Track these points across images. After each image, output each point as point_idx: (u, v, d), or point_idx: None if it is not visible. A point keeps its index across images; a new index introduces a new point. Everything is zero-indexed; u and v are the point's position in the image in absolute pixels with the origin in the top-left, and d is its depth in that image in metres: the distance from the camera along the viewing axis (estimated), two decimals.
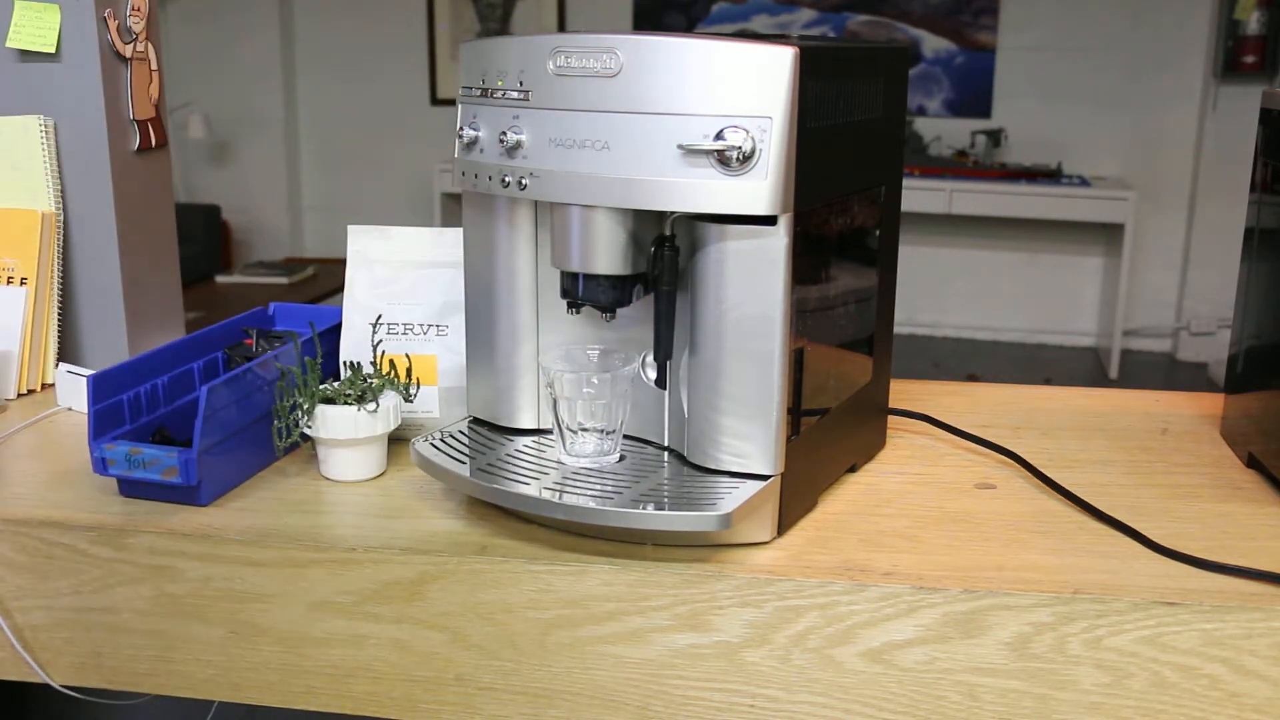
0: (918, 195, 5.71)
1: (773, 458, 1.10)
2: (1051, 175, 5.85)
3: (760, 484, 1.09)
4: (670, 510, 1.05)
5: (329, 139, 6.83)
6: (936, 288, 6.32)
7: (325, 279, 5.61)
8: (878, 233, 1.27)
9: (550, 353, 1.21)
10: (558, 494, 1.09)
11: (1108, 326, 6.03)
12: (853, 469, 1.30)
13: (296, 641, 1.14)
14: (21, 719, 1.72)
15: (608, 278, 1.13)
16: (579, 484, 1.12)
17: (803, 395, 1.13)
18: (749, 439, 1.10)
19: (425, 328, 1.37)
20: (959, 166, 5.94)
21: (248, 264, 6.22)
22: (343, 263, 1.39)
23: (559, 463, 1.17)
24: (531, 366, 1.24)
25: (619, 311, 1.18)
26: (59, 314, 1.58)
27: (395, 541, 1.12)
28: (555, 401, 1.17)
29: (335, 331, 1.40)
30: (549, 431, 1.24)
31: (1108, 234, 6.04)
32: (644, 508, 1.06)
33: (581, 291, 1.15)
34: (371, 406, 1.24)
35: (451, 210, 6.42)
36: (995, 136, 6.03)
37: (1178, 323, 6.17)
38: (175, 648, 1.16)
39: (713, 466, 1.12)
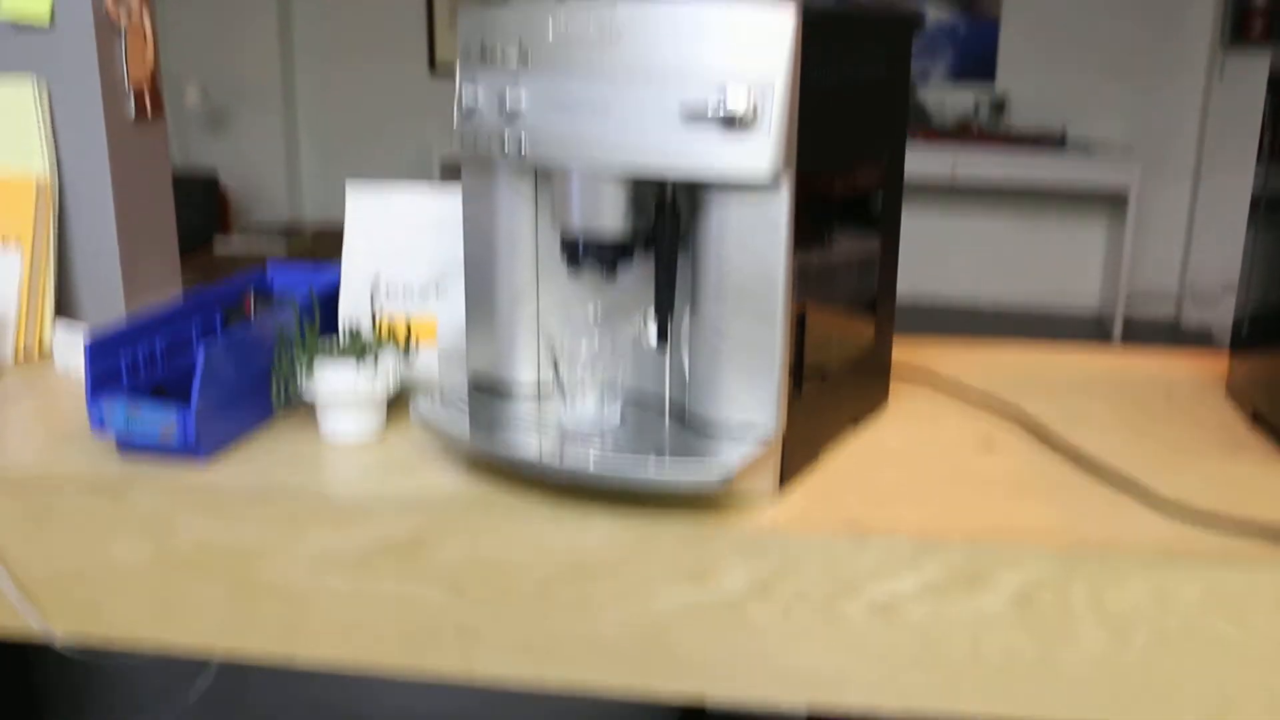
0: (921, 163, 5.70)
1: (774, 415, 1.10)
2: (1055, 143, 5.83)
3: (763, 441, 1.09)
4: (672, 467, 1.05)
5: (327, 108, 6.81)
6: (939, 256, 6.31)
7: (324, 247, 5.61)
8: (881, 198, 1.27)
9: (550, 312, 1.21)
10: (558, 453, 1.10)
11: (1111, 294, 6.02)
12: (855, 427, 1.30)
13: (297, 596, 1.14)
14: (24, 677, 1.73)
15: (609, 240, 1.13)
16: (579, 443, 1.12)
17: (805, 355, 1.13)
18: (751, 397, 1.10)
19: (425, 288, 1.37)
20: (962, 134, 5.93)
21: (246, 230, 6.21)
22: (341, 232, 1.39)
23: (560, 420, 1.18)
24: (531, 326, 1.24)
25: (620, 272, 1.18)
26: (55, 281, 1.58)
27: (396, 499, 1.12)
28: (555, 361, 1.17)
29: (334, 292, 1.40)
30: (549, 391, 1.24)
31: (1112, 202, 6.03)
32: (645, 465, 1.06)
33: (583, 253, 1.15)
34: (371, 366, 1.24)
35: (451, 177, 6.40)
36: (999, 104, 6.01)
37: (1181, 291, 6.17)
38: (175, 605, 1.17)
39: (716, 423, 1.12)
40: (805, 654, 1.08)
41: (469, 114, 1.16)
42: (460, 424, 1.17)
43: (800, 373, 1.13)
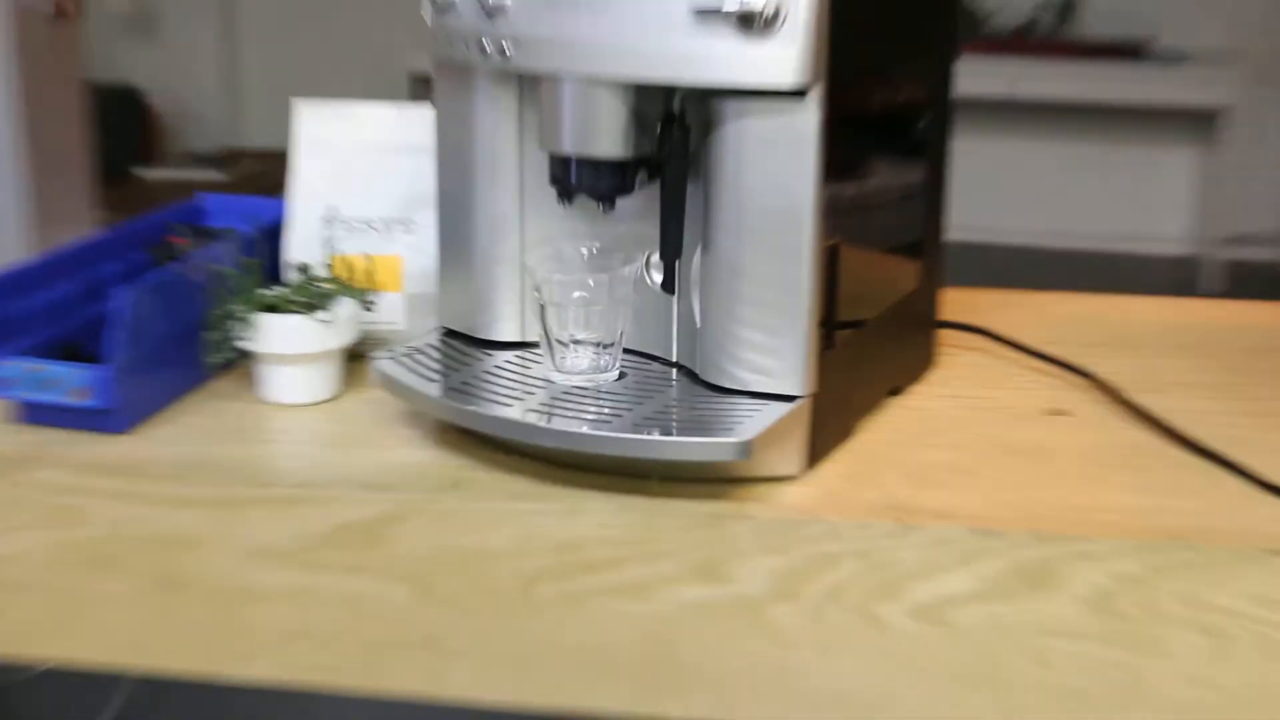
0: (974, 78, 5.62)
1: (801, 375, 1.09)
2: (1136, 51, 5.80)
3: (787, 406, 1.09)
4: (680, 437, 1.05)
5: (274, 9, 6.79)
6: (996, 186, 6.30)
7: (269, 174, 5.58)
8: (927, 116, 1.27)
9: (537, 251, 1.21)
10: (545, 417, 1.10)
11: (1203, 234, 6.02)
12: (897, 391, 1.30)
13: (231, 597, 1.12)
14: None
15: (606, 162, 1.13)
16: (571, 406, 1.12)
17: (838, 302, 1.12)
18: (773, 353, 1.10)
19: (388, 223, 1.37)
20: (1022, 44, 5.90)
21: (176, 156, 6.20)
22: (282, 156, 1.39)
23: (547, 381, 1.18)
24: (515, 268, 1.23)
25: (619, 202, 1.18)
26: None
27: (351, 476, 1.12)
28: (543, 309, 1.16)
29: (280, 229, 1.39)
30: (535, 345, 1.23)
31: (1204, 123, 6.01)
32: (648, 433, 1.06)
33: (575, 179, 1.15)
34: (323, 316, 1.24)
35: (422, 96, 6.39)
36: (1066, 7, 5.98)
37: None
38: (82, 606, 1.14)
39: (730, 386, 1.12)
40: (838, 666, 1.06)
41: (442, 11, 1.15)
42: (429, 384, 1.17)
43: (832, 325, 1.12)
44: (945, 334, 1.42)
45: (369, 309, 1.31)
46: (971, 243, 6.29)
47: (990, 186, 6.28)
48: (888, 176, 1.21)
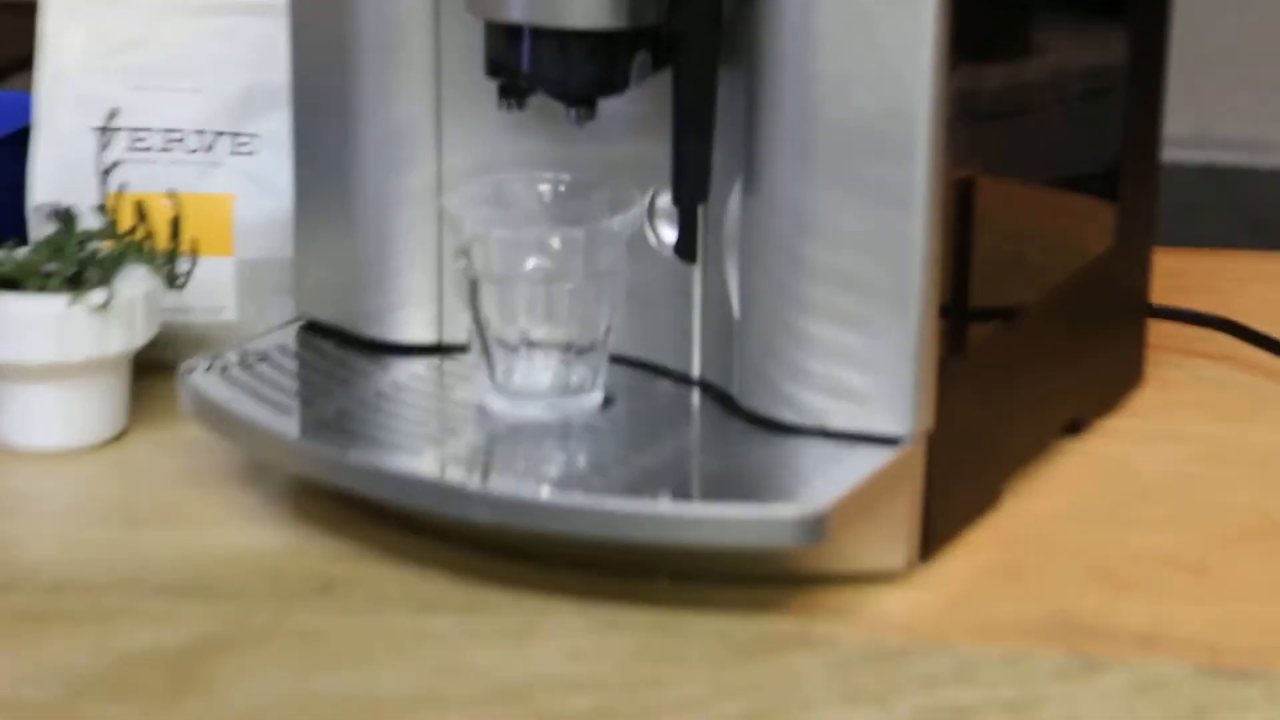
0: None
1: (910, 401, 1.11)
2: None
3: (885, 455, 1.10)
4: (705, 505, 1.07)
5: None
6: (1254, 73, 6.29)
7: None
8: None
9: (464, 189, 1.22)
10: (478, 473, 1.12)
11: None
12: (1076, 428, 1.32)
13: None
14: None
15: (582, 37, 1.15)
16: (521, 453, 1.14)
17: (972, 275, 1.14)
18: (863, 364, 1.11)
19: (209, 139, 1.40)
20: None
21: None
22: (30, 10, 1.40)
23: (482, 411, 1.19)
24: (426, 217, 1.26)
25: (604, 106, 1.19)
26: None
27: (145, 573, 1.14)
28: (474, 287, 1.18)
29: (20, 145, 1.42)
30: (462, 349, 1.25)
31: None
32: (652, 499, 1.07)
33: (529, 66, 1.17)
34: (97, 298, 1.25)
35: None
36: None
37: None
38: None
39: (790, 419, 1.13)
40: None
41: None
42: (280, 415, 1.19)
43: (963, 315, 1.14)
44: (1161, 329, 1.43)
45: (176, 286, 1.32)
46: (1211, 166, 6.29)
47: (1246, 73, 6.28)
48: (1060, 59, 1.22)
